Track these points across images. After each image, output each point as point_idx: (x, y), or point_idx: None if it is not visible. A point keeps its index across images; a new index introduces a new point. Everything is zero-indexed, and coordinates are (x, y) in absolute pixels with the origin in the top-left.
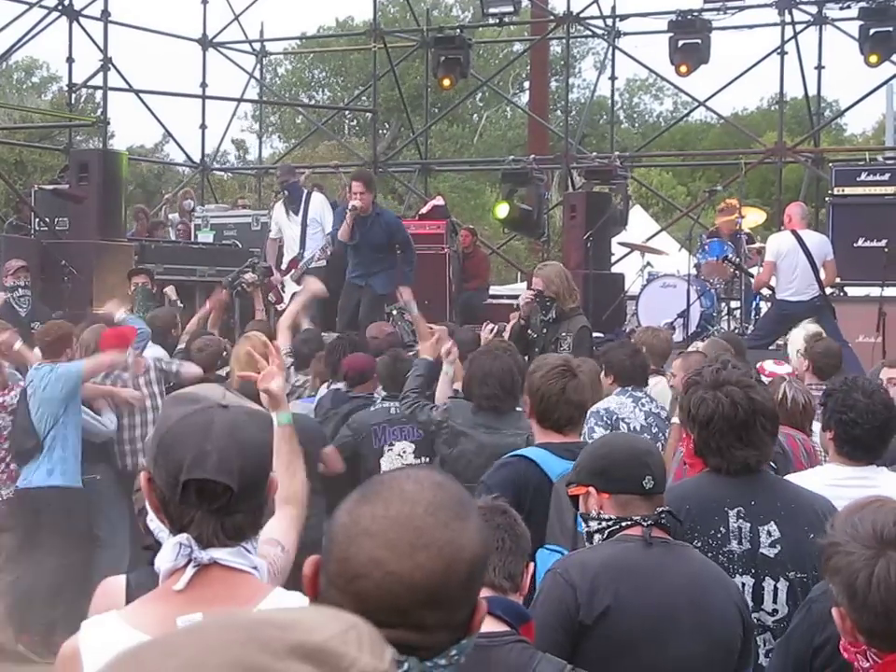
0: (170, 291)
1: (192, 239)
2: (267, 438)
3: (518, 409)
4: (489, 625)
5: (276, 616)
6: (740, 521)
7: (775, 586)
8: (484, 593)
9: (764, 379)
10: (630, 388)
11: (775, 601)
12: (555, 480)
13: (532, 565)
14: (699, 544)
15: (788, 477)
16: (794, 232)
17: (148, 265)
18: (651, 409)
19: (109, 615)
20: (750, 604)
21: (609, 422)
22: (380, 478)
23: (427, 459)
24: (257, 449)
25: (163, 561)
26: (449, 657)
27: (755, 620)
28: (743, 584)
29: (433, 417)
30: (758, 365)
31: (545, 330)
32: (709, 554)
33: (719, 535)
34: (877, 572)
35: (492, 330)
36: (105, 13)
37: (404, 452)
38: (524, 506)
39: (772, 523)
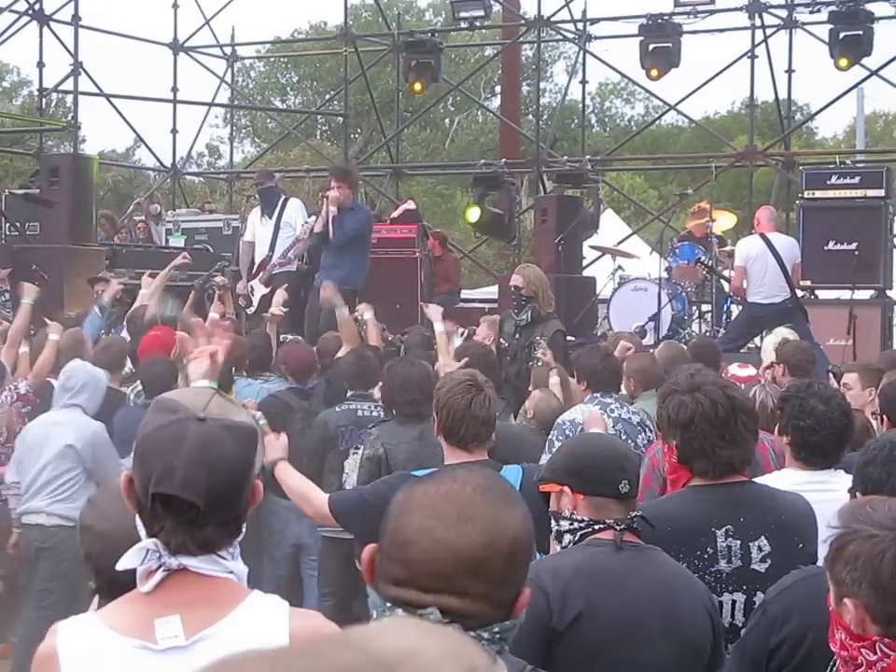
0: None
1: (153, 240)
2: (244, 451)
3: None
4: None
5: (387, 650)
6: (729, 539)
7: None
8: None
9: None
10: (599, 395)
11: None
12: None
13: None
14: (685, 566)
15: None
16: (762, 236)
17: (119, 269)
18: (621, 415)
19: (86, 616)
20: (742, 619)
21: (573, 434)
22: (439, 469)
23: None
24: (228, 464)
25: (129, 563)
26: (492, 632)
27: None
28: (734, 601)
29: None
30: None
31: (517, 336)
32: (696, 575)
33: (706, 556)
34: None
35: (462, 334)
36: (76, 17)
37: None
38: None
39: (762, 537)
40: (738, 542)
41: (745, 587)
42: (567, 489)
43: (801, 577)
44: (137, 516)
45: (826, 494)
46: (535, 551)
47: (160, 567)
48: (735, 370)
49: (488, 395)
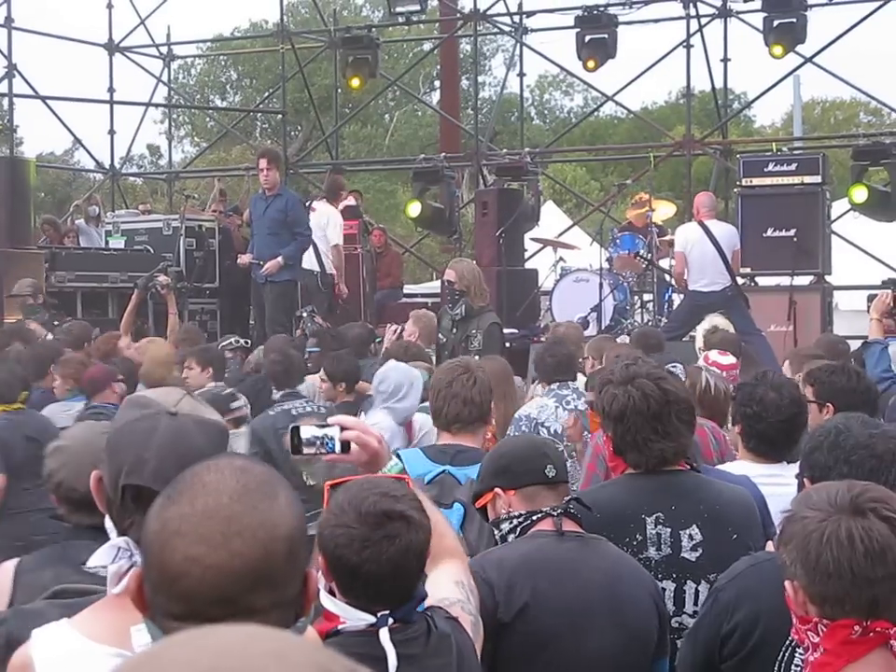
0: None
1: (77, 244)
2: (215, 446)
3: None
4: None
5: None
6: (659, 527)
7: (696, 589)
8: None
9: (711, 369)
10: (555, 387)
11: (696, 604)
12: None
13: None
14: None
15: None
16: (700, 223)
17: (59, 272)
18: (578, 406)
19: (61, 624)
20: (672, 608)
21: (528, 430)
22: (182, 476)
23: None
24: (199, 458)
25: (99, 561)
26: None
27: (677, 623)
28: (664, 589)
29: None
30: (703, 355)
31: (454, 330)
32: None
33: (634, 542)
34: (829, 531)
35: (395, 332)
36: (9, 19)
37: None
38: None
39: (694, 526)
40: (669, 530)
41: (675, 575)
42: (498, 490)
43: (752, 563)
44: (107, 516)
45: (781, 488)
46: (310, 528)
47: (131, 566)
48: (716, 356)
49: (478, 377)
